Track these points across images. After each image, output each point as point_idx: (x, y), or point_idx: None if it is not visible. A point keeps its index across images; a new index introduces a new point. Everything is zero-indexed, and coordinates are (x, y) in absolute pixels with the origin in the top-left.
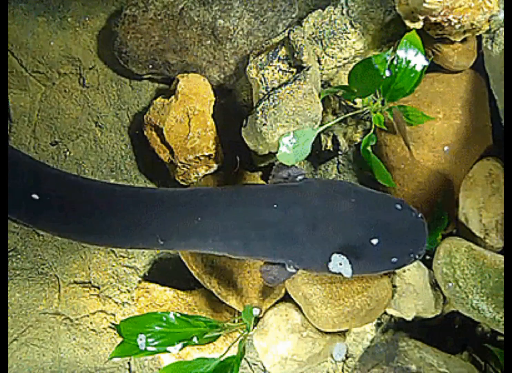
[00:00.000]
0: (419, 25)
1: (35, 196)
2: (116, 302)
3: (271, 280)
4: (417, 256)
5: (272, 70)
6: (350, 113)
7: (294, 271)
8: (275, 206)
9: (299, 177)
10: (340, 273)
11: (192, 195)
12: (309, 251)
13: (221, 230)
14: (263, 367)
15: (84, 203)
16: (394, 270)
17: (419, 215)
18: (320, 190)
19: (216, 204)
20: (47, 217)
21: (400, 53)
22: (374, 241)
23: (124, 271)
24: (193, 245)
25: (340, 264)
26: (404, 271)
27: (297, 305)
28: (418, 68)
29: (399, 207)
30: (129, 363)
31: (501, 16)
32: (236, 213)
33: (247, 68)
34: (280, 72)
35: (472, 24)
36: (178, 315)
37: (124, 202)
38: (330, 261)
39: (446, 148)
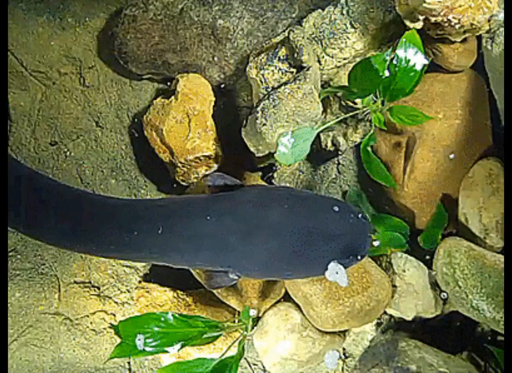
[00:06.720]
0: (419, 25)
1: None
2: (116, 302)
3: (212, 286)
4: (358, 258)
5: (272, 70)
6: (350, 113)
7: (236, 277)
8: (208, 217)
9: (236, 186)
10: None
11: (129, 207)
12: (245, 259)
13: (157, 243)
14: (263, 367)
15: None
16: None
17: (360, 215)
18: (255, 198)
19: (151, 217)
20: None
21: (400, 52)
22: (309, 245)
23: (124, 271)
24: (131, 256)
25: (336, 272)
26: (404, 271)
27: (297, 305)
28: (418, 67)
29: (336, 209)
30: (129, 363)
31: (501, 16)
32: (171, 225)
33: (247, 68)
34: (280, 72)
35: (472, 24)
36: (176, 315)
37: (64, 205)
38: (266, 266)
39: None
